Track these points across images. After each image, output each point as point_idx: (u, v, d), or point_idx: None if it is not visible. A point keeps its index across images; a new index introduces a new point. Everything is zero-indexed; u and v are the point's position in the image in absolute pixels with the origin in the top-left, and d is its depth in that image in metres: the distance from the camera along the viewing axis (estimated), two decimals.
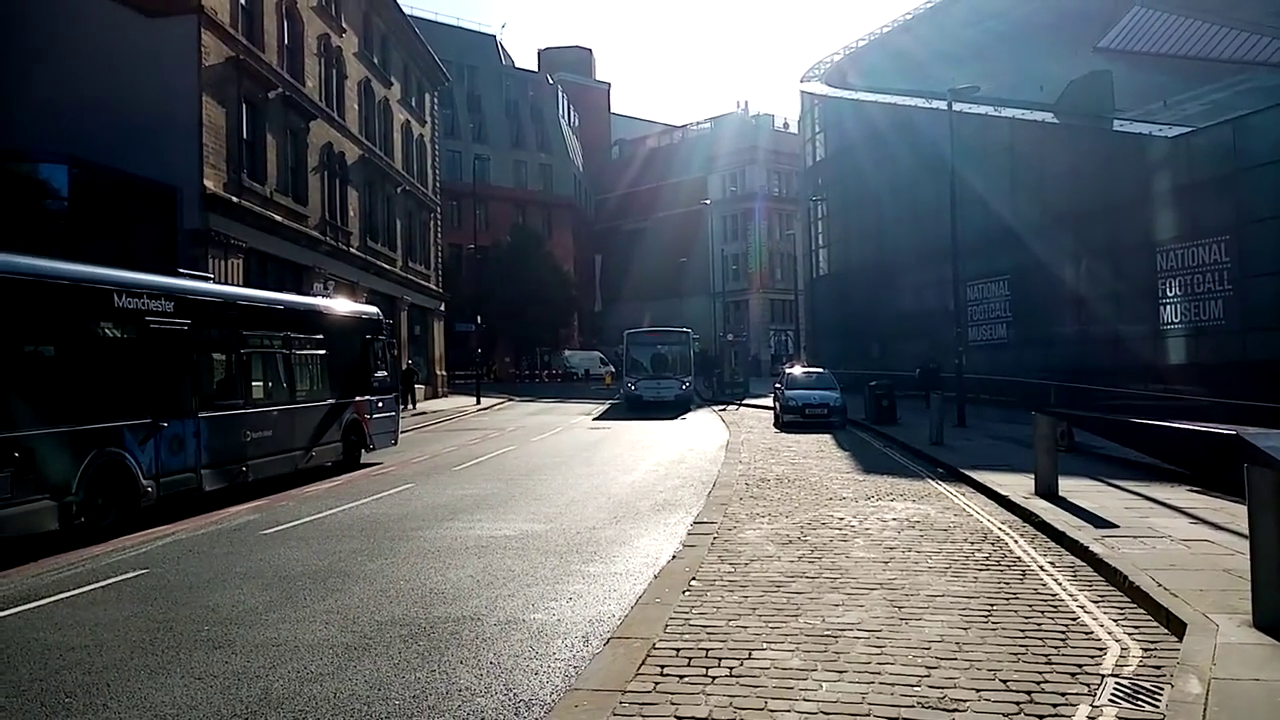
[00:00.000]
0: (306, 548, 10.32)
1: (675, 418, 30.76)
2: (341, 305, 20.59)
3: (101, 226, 21.73)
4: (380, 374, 20.17)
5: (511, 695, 5.55)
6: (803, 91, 48.33)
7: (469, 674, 5.94)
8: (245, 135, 25.59)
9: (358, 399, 18.71)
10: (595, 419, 30.94)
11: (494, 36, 78.62)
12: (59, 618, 7.57)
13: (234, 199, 24.39)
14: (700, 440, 22.47)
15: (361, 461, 18.80)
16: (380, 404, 19.94)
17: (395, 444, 20.72)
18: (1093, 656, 5.89)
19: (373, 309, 21.85)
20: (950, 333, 25.34)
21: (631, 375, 35.92)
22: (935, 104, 28.17)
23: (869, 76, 41.28)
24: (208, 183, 23.15)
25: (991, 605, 7.03)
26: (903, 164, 35.32)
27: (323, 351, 17.64)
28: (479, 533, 10.93)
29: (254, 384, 15.59)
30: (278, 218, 26.99)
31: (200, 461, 13.51)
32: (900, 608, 6.96)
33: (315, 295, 20.99)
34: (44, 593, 8.44)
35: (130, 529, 11.69)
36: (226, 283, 22.34)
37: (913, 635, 6.30)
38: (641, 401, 34.22)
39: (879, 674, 5.57)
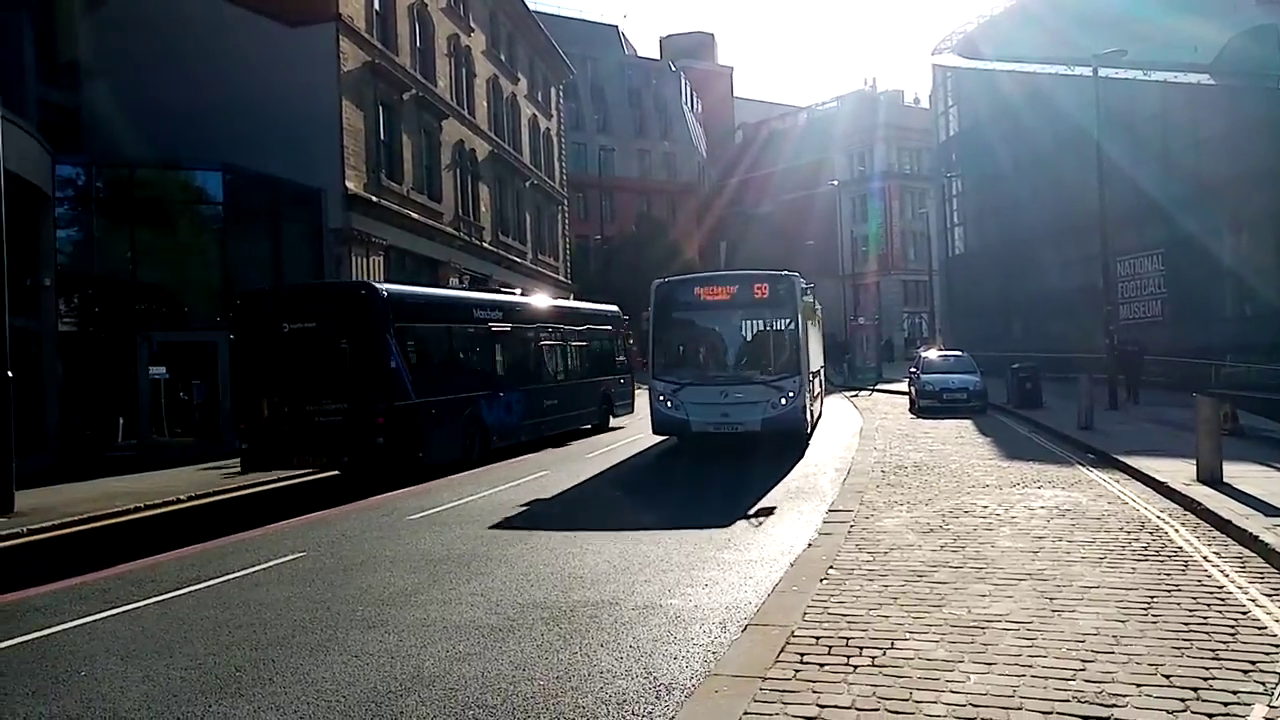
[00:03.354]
0: (450, 532, 10.69)
1: (755, 510, 11.29)
2: (596, 307, 26.40)
3: (252, 227, 23.11)
4: (620, 358, 25.66)
5: (651, 679, 5.60)
6: (934, 64, 46.73)
7: (609, 657, 6.03)
8: (382, 136, 26.63)
9: (607, 377, 24.47)
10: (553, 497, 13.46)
11: (616, 27, 79.32)
12: (227, 597, 8.09)
13: (374, 198, 25.42)
14: (833, 427, 22.10)
15: (610, 425, 24.24)
16: (621, 380, 25.63)
17: (632, 412, 25.55)
18: (1268, 653, 5.49)
19: (614, 308, 26.89)
20: (1098, 311, 24.03)
21: (665, 376, 17.09)
22: (1078, 71, 26.71)
23: (1004, 46, 39.47)
24: (349, 184, 24.21)
25: (1151, 597, 6.65)
26: (1042, 136, 33.67)
27: (586, 342, 23.45)
28: (613, 518, 11.06)
29: (547, 366, 21.43)
30: (414, 215, 27.98)
31: (520, 421, 19.35)
32: (1051, 599, 6.67)
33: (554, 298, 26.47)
34: (211, 574, 9.03)
35: (485, 463, 17.30)
36: (368, 278, 23.96)
37: (1066, 627, 6.02)
38: (687, 433, 17.10)
39: (1030, 667, 5.35)
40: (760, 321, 17.34)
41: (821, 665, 5.52)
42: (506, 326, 19.48)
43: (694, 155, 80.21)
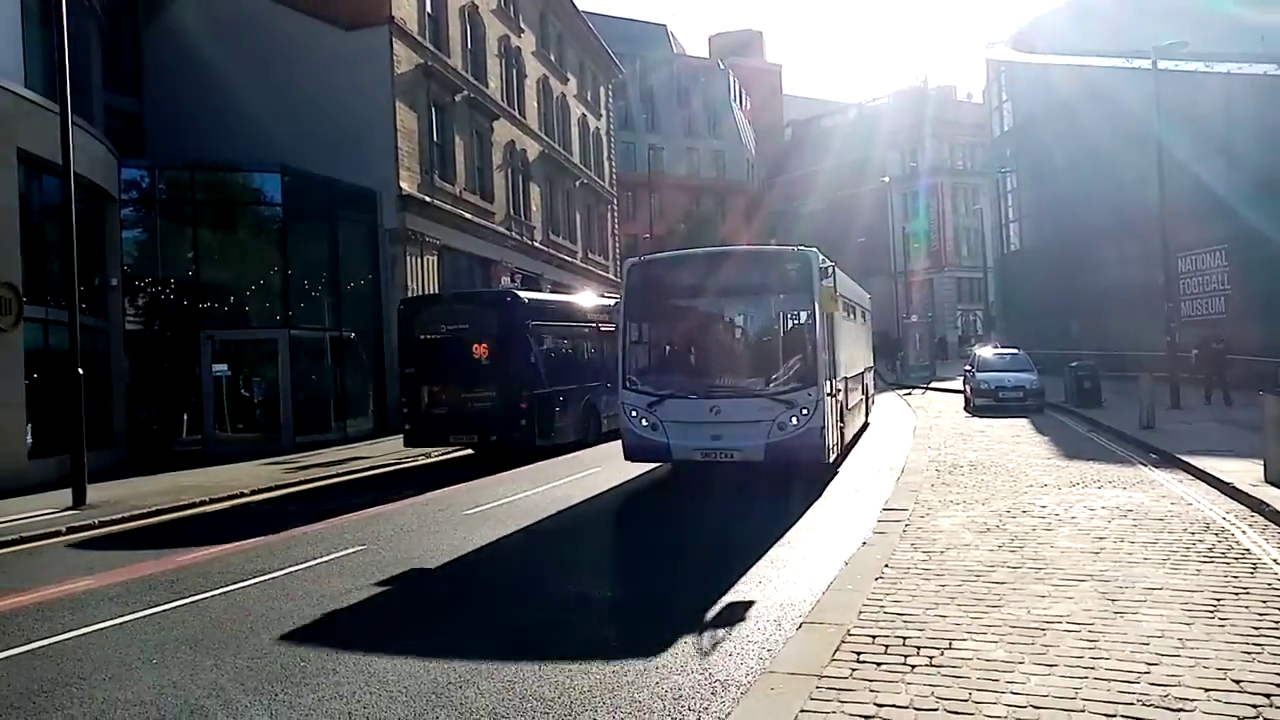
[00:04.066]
0: (503, 527, 10.82)
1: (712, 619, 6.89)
2: None
3: (310, 227, 23.57)
4: None
5: (707, 675, 5.63)
6: (988, 59, 46.04)
7: (664, 653, 6.05)
8: (435, 138, 26.96)
9: None
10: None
11: (664, 26, 79.23)
12: (290, 589, 8.29)
13: (427, 199, 25.74)
14: (886, 426, 21.91)
15: None
16: None
17: None
18: None
19: None
20: (1159, 308, 23.48)
21: (640, 385, 13.45)
22: (1137, 64, 26.10)
23: (1059, 39, 38.77)
24: (403, 184, 24.56)
25: (1218, 600, 6.50)
26: (1099, 130, 32.97)
27: None
28: (662, 514, 11.10)
29: None
30: (467, 215, 28.28)
31: None
32: (1113, 600, 6.55)
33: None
34: (275, 566, 9.24)
35: (598, 444, 19.69)
36: (422, 278, 24.54)
37: (1129, 630, 5.92)
38: (667, 460, 13.67)
39: (1092, 669, 5.27)
40: (766, 313, 13.82)
41: (878, 664, 5.49)
42: (612, 326, 21.02)
43: (743, 153, 79.86)
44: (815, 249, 13.22)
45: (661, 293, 13.56)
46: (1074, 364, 24.26)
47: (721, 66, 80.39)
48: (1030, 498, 10.90)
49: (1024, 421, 21.12)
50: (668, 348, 14.02)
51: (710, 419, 12.59)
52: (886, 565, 7.75)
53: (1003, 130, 45.81)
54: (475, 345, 17.92)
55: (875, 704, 4.91)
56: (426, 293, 24.76)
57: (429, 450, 19.38)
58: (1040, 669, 5.30)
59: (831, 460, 13.53)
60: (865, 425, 20.27)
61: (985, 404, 23.82)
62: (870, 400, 21.85)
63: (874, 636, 5.96)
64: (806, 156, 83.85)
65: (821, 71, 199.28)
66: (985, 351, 28.29)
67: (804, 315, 13.00)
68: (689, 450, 12.79)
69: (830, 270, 13.08)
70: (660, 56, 75.31)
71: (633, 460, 13.66)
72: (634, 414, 13.12)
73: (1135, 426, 17.30)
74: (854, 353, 17.76)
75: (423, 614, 7.25)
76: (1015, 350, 27.65)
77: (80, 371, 13.88)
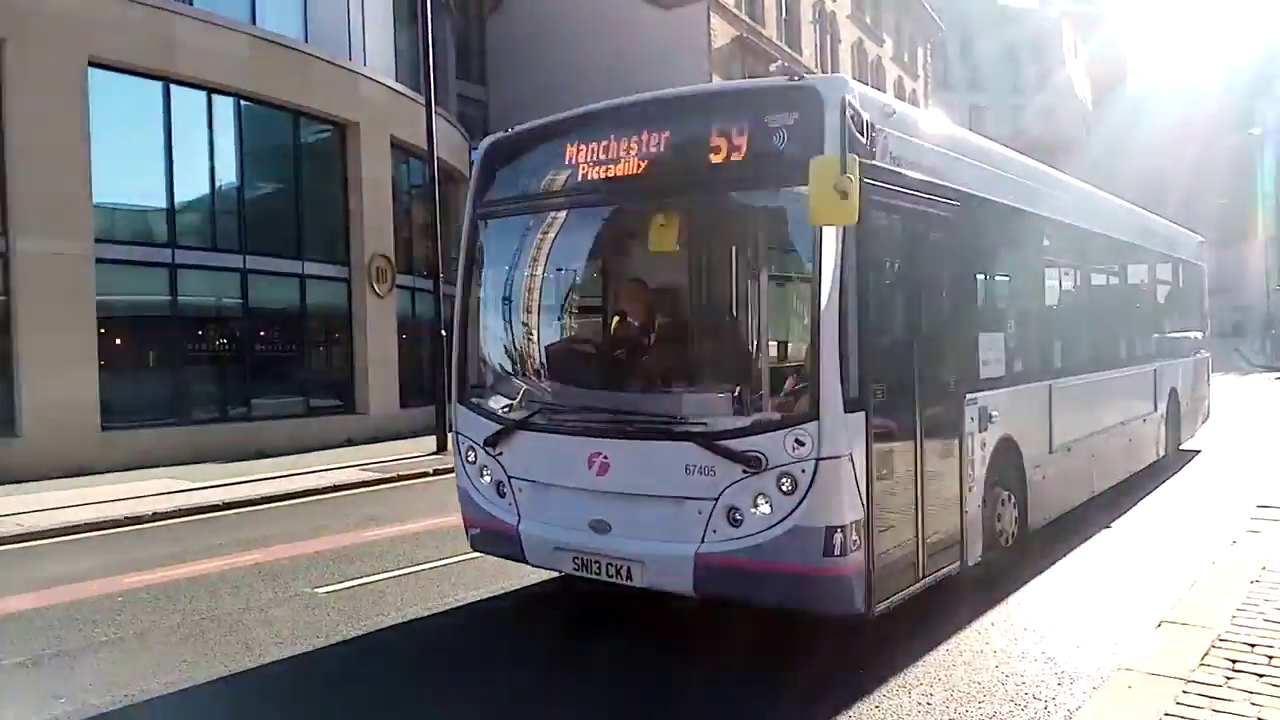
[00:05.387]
0: None
1: None
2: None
3: None
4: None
5: (1052, 665, 5.34)
6: None
7: (1001, 637, 5.83)
8: None
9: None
10: None
11: None
12: None
13: None
14: (1255, 409, 19.37)
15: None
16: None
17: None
18: None
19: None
20: None
21: (474, 399, 6.50)
22: None
23: None
24: None
25: None
26: None
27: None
28: None
29: None
30: None
31: None
32: None
33: None
34: None
35: None
36: None
37: None
38: (520, 559, 6.22)
39: None
40: (728, 238, 6.58)
41: (1259, 675, 4.89)
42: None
43: (1078, 108, 73.26)
44: (843, 77, 5.72)
45: (526, 201, 6.56)
46: None
47: (1054, 15, 74.10)
48: None
49: None
50: (526, 321, 6.87)
51: (589, 484, 5.69)
52: (1264, 568, 6.88)
53: None
54: None
55: (1259, 718, 4.40)
56: None
57: None
58: None
59: (878, 609, 5.31)
60: (1180, 455, 12.82)
61: None
62: (1191, 410, 13.38)
63: (1252, 645, 5.32)
64: (1158, 107, 75.15)
65: (1170, 11, 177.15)
66: None
67: (802, 240, 5.39)
68: (549, 548, 5.95)
69: (867, 122, 5.43)
70: (984, 10, 70.74)
71: (479, 550, 6.76)
72: (471, 458, 6.49)
73: None
74: (1114, 328, 10.61)
75: None
76: None
77: (444, 333, 15.59)
